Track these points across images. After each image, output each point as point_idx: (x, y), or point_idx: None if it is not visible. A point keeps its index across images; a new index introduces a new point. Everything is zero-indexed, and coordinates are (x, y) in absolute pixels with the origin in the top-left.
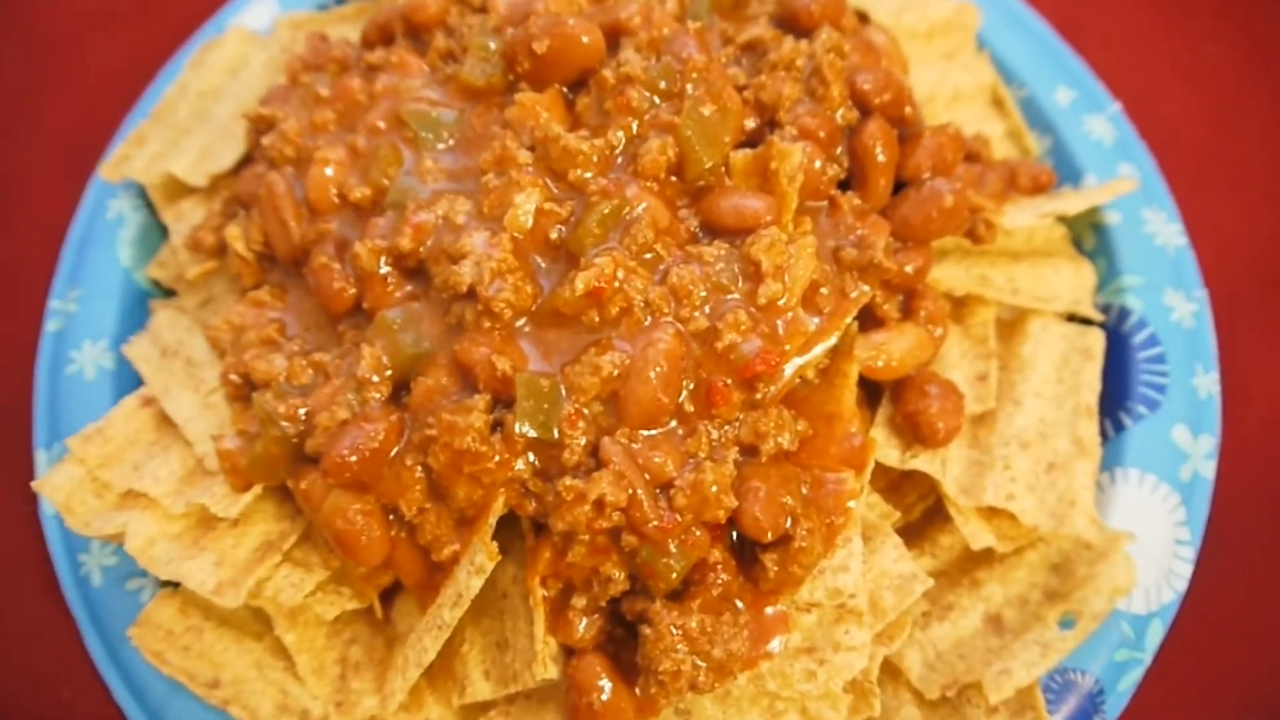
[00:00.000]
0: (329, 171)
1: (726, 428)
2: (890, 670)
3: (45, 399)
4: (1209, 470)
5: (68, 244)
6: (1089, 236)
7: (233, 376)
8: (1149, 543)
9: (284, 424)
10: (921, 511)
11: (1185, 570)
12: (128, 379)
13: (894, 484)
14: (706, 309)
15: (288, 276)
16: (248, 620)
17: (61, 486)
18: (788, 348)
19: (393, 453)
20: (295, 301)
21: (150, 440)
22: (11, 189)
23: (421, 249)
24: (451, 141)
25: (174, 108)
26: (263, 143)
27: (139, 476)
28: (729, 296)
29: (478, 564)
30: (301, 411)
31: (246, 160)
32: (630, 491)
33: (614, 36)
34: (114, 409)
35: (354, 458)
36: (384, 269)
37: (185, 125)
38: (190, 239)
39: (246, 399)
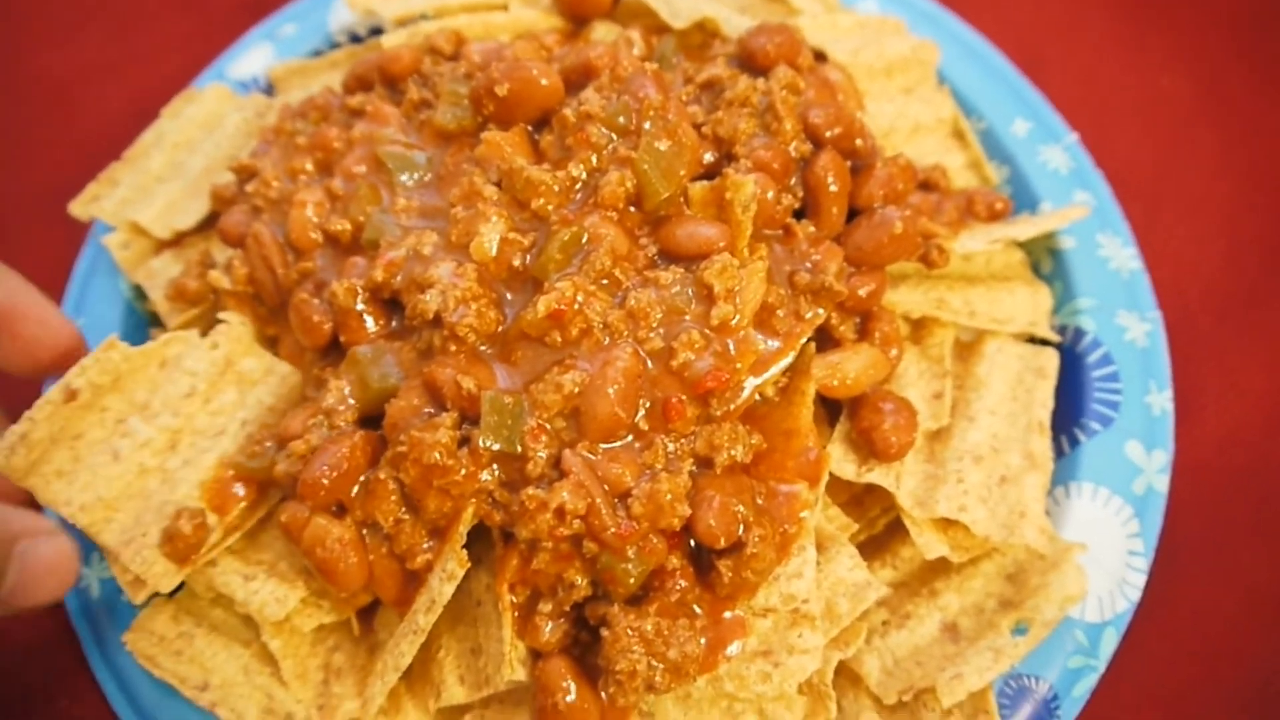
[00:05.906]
0: (309, 211)
1: (682, 441)
2: (850, 676)
3: None
4: (1162, 484)
5: (74, 275)
6: (1046, 261)
7: None
8: (1103, 553)
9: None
10: (884, 525)
11: (1139, 580)
12: None
13: (857, 498)
14: (662, 330)
15: (273, 314)
16: (237, 626)
17: None
18: (739, 365)
19: (366, 472)
20: None
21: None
22: (14, 228)
23: (394, 280)
24: (426, 178)
25: (148, 154)
26: (246, 189)
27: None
28: (684, 318)
29: (449, 571)
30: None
31: (211, 218)
32: (589, 500)
33: (583, 77)
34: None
35: (326, 477)
36: (360, 306)
37: (158, 173)
38: (173, 287)
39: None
